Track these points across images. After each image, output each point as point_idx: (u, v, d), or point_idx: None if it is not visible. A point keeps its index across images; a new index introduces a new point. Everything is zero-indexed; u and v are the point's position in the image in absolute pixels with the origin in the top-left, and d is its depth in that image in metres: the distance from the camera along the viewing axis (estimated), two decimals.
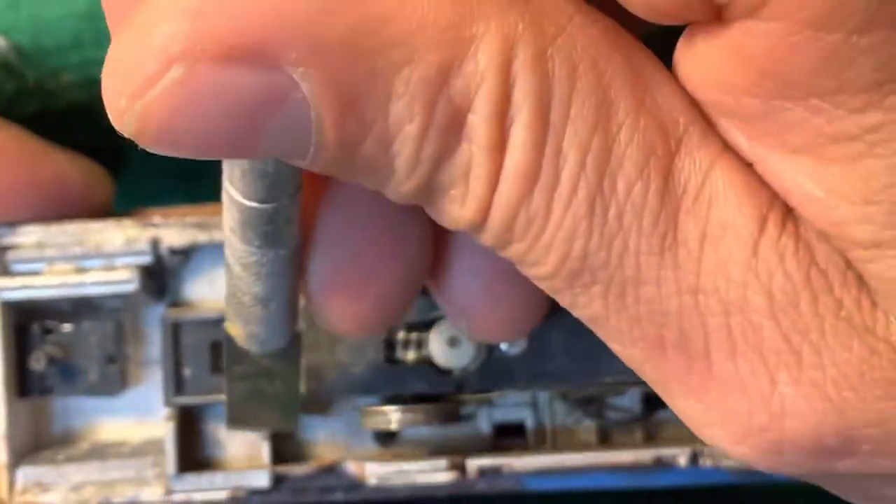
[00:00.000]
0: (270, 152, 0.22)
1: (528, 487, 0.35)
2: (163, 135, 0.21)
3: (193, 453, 0.36)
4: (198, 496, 0.35)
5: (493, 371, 0.33)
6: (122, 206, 0.37)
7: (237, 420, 0.32)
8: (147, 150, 0.22)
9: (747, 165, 0.23)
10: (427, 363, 0.34)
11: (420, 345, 0.34)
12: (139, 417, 0.36)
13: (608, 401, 0.36)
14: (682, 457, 0.34)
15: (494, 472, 0.35)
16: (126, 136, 0.21)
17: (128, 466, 0.35)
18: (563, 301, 0.24)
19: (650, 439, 0.36)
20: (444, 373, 0.34)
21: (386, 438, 0.36)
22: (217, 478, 0.35)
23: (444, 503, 0.36)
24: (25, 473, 0.35)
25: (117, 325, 0.35)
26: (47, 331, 0.36)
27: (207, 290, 0.34)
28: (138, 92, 0.21)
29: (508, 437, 0.36)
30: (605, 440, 0.36)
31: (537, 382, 0.33)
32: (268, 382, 0.32)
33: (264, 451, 0.35)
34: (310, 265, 0.29)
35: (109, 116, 0.21)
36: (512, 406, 0.36)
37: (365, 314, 0.29)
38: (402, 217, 0.28)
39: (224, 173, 0.26)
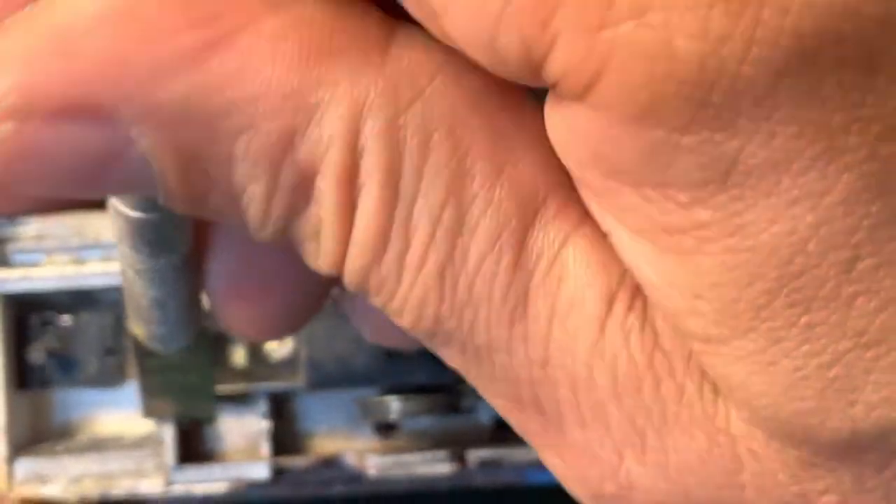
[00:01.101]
0: (121, 194, 0.22)
1: (529, 480, 0.35)
2: None
3: (193, 445, 0.36)
4: (197, 488, 0.35)
5: None
6: None
7: (153, 410, 0.32)
8: None
9: (602, 238, 0.22)
10: (427, 353, 0.33)
11: None
12: (138, 409, 0.36)
13: None
14: None
15: (495, 463, 0.35)
16: None
17: (127, 458, 0.35)
18: (430, 347, 0.24)
19: None
20: (444, 363, 0.33)
21: (386, 430, 0.36)
22: (216, 470, 0.35)
23: (445, 495, 0.36)
24: (25, 465, 0.35)
25: (116, 317, 0.35)
26: (46, 323, 0.36)
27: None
28: None
29: (509, 428, 0.36)
30: None
31: None
32: (181, 375, 0.32)
33: (264, 443, 0.35)
34: (208, 267, 0.28)
35: None
36: None
37: (268, 319, 0.28)
38: None
39: None
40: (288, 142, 0.21)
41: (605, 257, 0.22)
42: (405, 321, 0.23)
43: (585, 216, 0.22)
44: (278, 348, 0.35)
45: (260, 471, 0.35)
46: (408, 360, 0.34)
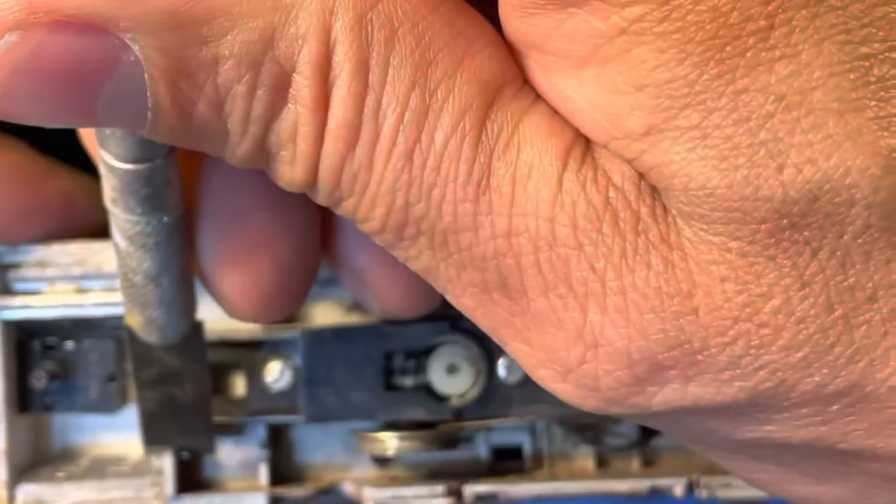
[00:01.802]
0: (109, 119, 0.24)
1: None
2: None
3: (192, 474, 0.36)
4: None
5: (491, 398, 0.34)
6: None
7: (153, 436, 0.32)
8: None
9: (553, 113, 0.24)
10: (426, 389, 0.34)
11: (419, 371, 0.34)
12: (138, 435, 0.36)
13: (606, 427, 0.36)
14: (678, 486, 0.34)
15: (491, 498, 0.35)
16: None
17: (127, 486, 0.35)
18: (399, 255, 0.25)
19: (648, 465, 0.36)
20: (442, 399, 0.34)
21: (384, 460, 0.36)
22: (215, 499, 0.35)
23: None
24: (25, 491, 0.35)
25: (118, 344, 0.36)
26: (48, 348, 0.36)
27: (206, 312, 0.34)
28: None
29: (506, 460, 0.36)
30: (602, 466, 0.36)
31: (536, 410, 0.33)
32: (178, 387, 0.32)
33: (262, 472, 0.36)
34: (198, 236, 0.29)
35: None
36: (510, 430, 0.36)
37: (260, 286, 0.30)
38: None
39: (97, 141, 0.26)
40: (268, 40, 0.23)
41: (557, 126, 0.24)
42: (377, 216, 0.24)
43: (537, 98, 0.24)
44: (278, 378, 0.35)
45: (258, 500, 0.35)
46: (406, 396, 0.34)
